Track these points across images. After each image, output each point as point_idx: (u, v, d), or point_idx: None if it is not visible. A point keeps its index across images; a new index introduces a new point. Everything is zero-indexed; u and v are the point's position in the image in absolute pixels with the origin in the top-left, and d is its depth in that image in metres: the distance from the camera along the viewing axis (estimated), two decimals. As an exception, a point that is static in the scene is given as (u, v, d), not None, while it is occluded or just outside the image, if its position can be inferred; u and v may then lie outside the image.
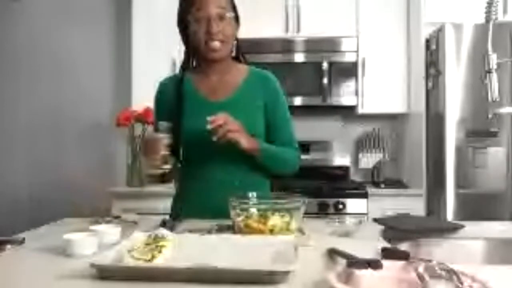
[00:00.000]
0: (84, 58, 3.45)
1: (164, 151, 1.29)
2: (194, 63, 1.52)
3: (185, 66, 1.51)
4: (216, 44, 1.38)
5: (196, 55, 1.48)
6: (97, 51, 3.46)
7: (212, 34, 1.36)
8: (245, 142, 1.32)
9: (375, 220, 1.38)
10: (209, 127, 1.24)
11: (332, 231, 1.20)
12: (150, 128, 1.34)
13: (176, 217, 1.44)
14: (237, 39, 1.48)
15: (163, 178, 1.38)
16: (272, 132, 1.47)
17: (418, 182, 2.87)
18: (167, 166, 1.32)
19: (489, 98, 1.33)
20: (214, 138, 1.26)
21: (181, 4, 1.44)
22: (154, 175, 1.35)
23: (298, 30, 3.09)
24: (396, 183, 3.06)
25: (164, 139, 1.30)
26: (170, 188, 2.91)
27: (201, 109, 1.40)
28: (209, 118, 1.25)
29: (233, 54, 1.49)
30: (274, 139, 1.46)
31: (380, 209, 2.62)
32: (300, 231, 1.15)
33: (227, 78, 1.47)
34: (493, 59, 1.32)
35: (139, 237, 0.99)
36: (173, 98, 1.46)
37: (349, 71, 3.06)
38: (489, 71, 1.33)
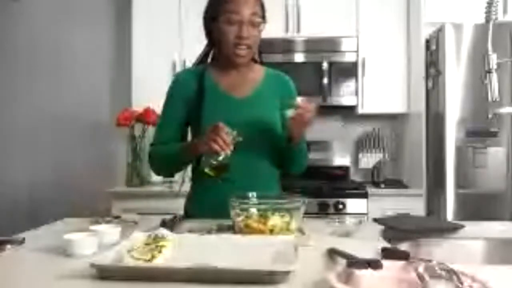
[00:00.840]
0: (84, 58, 3.45)
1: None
2: (212, 57, 1.52)
3: (203, 59, 1.52)
4: (244, 51, 1.39)
5: (220, 53, 1.47)
6: (97, 51, 3.46)
7: (243, 38, 1.37)
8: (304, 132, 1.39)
9: (375, 220, 1.38)
10: (298, 106, 1.29)
11: (332, 231, 1.20)
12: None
13: (189, 217, 1.44)
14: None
15: (220, 173, 1.31)
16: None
17: (418, 182, 2.86)
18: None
19: (489, 98, 1.33)
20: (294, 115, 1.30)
21: (213, 3, 1.43)
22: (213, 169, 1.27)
23: (298, 30, 3.09)
24: (396, 183, 3.06)
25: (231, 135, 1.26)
26: (170, 188, 2.93)
27: (221, 105, 1.42)
28: (301, 103, 1.30)
29: (257, 55, 1.52)
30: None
31: (380, 209, 2.62)
32: (300, 231, 1.15)
33: (246, 76, 1.48)
34: (493, 59, 1.32)
35: (139, 237, 0.99)
36: (193, 91, 1.45)
37: (349, 71, 3.06)
38: (489, 71, 1.33)
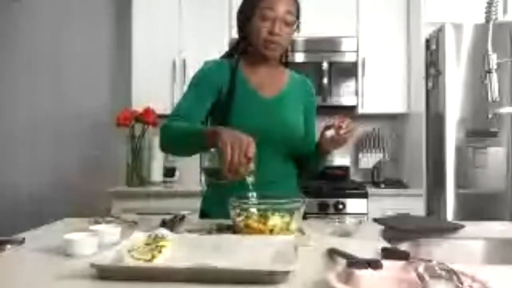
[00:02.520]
0: (84, 58, 3.45)
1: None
2: (242, 53, 1.51)
3: (232, 53, 1.52)
4: (274, 46, 1.40)
5: (251, 48, 1.47)
6: (97, 51, 3.46)
7: (274, 34, 1.38)
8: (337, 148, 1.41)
9: (375, 220, 1.38)
10: (344, 128, 1.32)
11: (332, 231, 1.20)
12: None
13: (205, 216, 1.45)
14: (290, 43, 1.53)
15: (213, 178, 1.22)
16: (305, 135, 1.51)
17: (418, 182, 2.87)
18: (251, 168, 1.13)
19: (489, 98, 1.33)
20: (342, 132, 1.32)
21: (249, 1, 1.43)
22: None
23: (298, 30, 3.08)
24: (396, 183, 3.06)
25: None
26: (170, 188, 2.93)
27: (250, 103, 1.42)
28: (341, 123, 1.32)
29: (286, 56, 1.56)
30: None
31: (380, 209, 2.62)
32: (300, 231, 1.15)
33: (274, 76, 1.50)
34: (493, 59, 1.32)
35: (139, 237, 0.99)
36: (226, 81, 1.43)
37: (349, 71, 3.07)
38: (489, 71, 1.33)
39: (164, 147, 1.38)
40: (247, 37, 1.46)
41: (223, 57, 1.53)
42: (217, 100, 1.42)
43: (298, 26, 1.49)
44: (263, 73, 1.48)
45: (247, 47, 1.49)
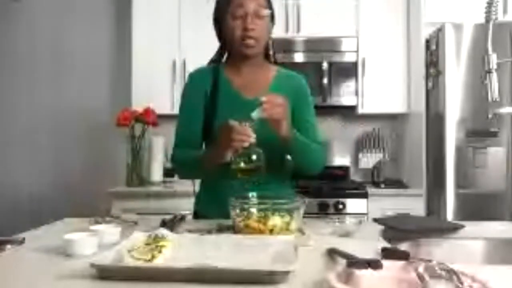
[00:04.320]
0: (84, 58, 3.45)
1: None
2: (226, 58, 1.51)
3: (216, 60, 1.51)
4: (251, 41, 1.38)
5: (231, 50, 1.47)
6: (97, 51, 3.46)
7: (248, 30, 1.37)
8: (285, 127, 1.28)
9: (375, 220, 1.38)
10: (265, 105, 1.21)
11: (332, 231, 1.20)
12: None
13: (199, 217, 1.44)
14: (271, 38, 1.49)
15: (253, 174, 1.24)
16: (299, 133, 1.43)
17: (418, 182, 2.86)
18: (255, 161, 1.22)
19: (489, 98, 1.33)
20: (263, 114, 1.21)
21: (219, 4, 1.44)
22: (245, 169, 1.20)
23: (298, 30, 3.09)
24: (396, 183, 3.06)
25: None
26: (170, 188, 2.93)
27: (233, 105, 1.41)
28: (263, 98, 1.21)
29: (270, 52, 1.51)
30: None
31: (380, 209, 2.62)
32: (300, 231, 1.15)
33: (259, 75, 1.47)
34: (493, 59, 1.32)
35: (139, 237, 0.99)
36: (209, 86, 1.45)
37: (349, 71, 3.07)
38: (489, 71, 1.33)
39: (185, 178, 1.58)
40: (225, 40, 1.45)
41: (211, 63, 1.53)
42: (205, 105, 1.44)
43: (273, 18, 1.45)
44: (246, 74, 1.46)
45: (229, 52, 1.49)
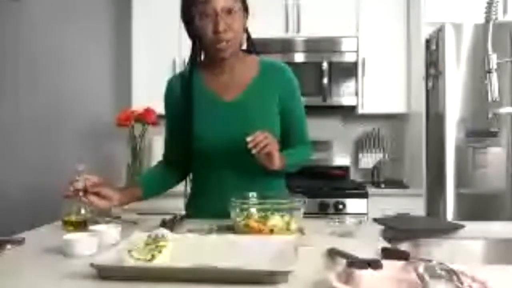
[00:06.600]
0: (84, 58, 3.45)
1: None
2: (202, 57, 1.42)
3: (192, 61, 1.41)
4: (224, 44, 1.29)
5: (204, 50, 1.39)
6: (97, 51, 3.46)
7: (220, 33, 1.26)
8: (277, 159, 1.24)
9: (375, 220, 1.38)
10: (250, 145, 1.16)
11: (332, 231, 1.20)
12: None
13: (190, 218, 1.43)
14: (247, 30, 1.38)
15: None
16: (286, 127, 1.40)
17: (418, 182, 2.87)
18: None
19: (489, 98, 1.33)
20: (254, 151, 1.17)
21: (185, 4, 1.33)
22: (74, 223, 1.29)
23: (298, 30, 3.09)
24: (396, 183, 3.06)
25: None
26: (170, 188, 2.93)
27: (211, 110, 1.36)
28: (248, 139, 1.17)
29: (243, 47, 1.41)
30: (287, 134, 1.41)
31: (380, 209, 2.62)
32: (300, 231, 1.15)
33: (238, 74, 1.39)
34: (493, 59, 1.32)
35: (139, 237, 0.99)
36: (180, 96, 1.40)
37: (349, 71, 3.07)
38: (489, 71, 1.33)
39: None
40: (196, 41, 1.36)
41: (189, 63, 1.43)
42: (183, 115, 1.37)
43: (246, 9, 1.34)
44: (223, 76, 1.39)
45: (203, 52, 1.40)
